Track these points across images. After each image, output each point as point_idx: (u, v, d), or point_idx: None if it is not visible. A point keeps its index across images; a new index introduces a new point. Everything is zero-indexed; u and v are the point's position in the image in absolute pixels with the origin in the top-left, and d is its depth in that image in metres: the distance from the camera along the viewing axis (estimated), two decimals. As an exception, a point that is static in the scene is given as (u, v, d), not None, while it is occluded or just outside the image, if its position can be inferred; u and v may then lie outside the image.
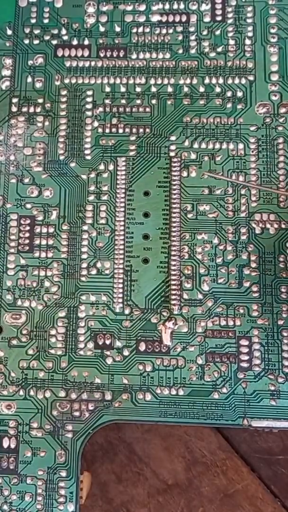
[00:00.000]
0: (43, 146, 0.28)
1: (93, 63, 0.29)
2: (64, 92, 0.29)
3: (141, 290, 0.27)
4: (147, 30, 0.29)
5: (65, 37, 0.29)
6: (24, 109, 0.29)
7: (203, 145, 0.28)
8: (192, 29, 0.29)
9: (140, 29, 0.29)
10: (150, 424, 0.27)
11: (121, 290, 0.27)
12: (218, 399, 0.25)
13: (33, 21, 0.30)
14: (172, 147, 0.28)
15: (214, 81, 0.28)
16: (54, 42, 0.29)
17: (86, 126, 0.28)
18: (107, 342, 0.26)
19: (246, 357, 0.26)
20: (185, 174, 0.27)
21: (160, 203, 0.27)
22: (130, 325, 0.26)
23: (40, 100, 0.29)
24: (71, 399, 0.26)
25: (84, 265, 0.27)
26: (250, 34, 0.28)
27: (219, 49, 0.28)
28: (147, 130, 0.28)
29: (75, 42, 0.29)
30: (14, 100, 0.29)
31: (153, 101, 0.28)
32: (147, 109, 0.28)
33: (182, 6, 0.29)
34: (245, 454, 0.28)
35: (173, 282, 0.26)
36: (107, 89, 0.28)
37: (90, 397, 0.26)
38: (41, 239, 0.27)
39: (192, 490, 0.27)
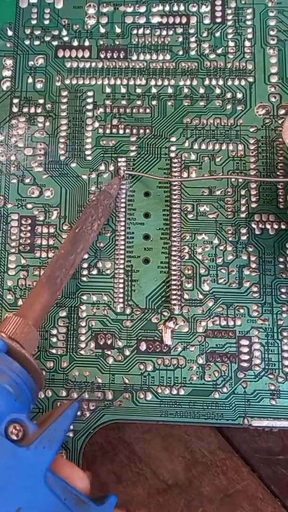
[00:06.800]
0: (44, 146, 0.28)
1: (93, 64, 0.29)
2: (64, 93, 0.29)
3: (141, 290, 0.27)
4: (147, 31, 0.29)
5: (66, 38, 0.29)
6: (25, 110, 0.29)
7: (203, 146, 0.28)
8: (192, 30, 0.29)
9: (141, 31, 0.29)
10: (150, 424, 0.27)
11: (121, 290, 0.27)
12: (218, 398, 0.25)
13: (34, 22, 0.30)
14: (173, 148, 0.28)
15: (214, 82, 0.28)
16: (55, 43, 0.29)
17: (86, 127, 0.28)
18: (108, 342, 0.26)
19: (246, 357, 0.26)
20: (185, 175, 0.28)
21: (161, 204, 0.28)
22: (131, 325, 0.26)
23: (41, 101, 0.29)
24: (72, 398, 0.26)
25: (85, 265, 0.27)
26: (249, 36, 0.29)
27: (219, 51, 0.29)
28: (148, 131, 0.28)
29: (75, 43, 0.29)
30: (15, 100, 0.29)
31: (154, 102, 0.28)
32: (148, 110, 0.28)
33: (182, 8, 0.29)
34: (245, 454, 0.28)
35: (173, 282, 0.26)
36: (108, 90, 0.29)
37: (91, 397, 0.26)
38: (42, 239, 0.27)
39: (192, 490, 0.27)
